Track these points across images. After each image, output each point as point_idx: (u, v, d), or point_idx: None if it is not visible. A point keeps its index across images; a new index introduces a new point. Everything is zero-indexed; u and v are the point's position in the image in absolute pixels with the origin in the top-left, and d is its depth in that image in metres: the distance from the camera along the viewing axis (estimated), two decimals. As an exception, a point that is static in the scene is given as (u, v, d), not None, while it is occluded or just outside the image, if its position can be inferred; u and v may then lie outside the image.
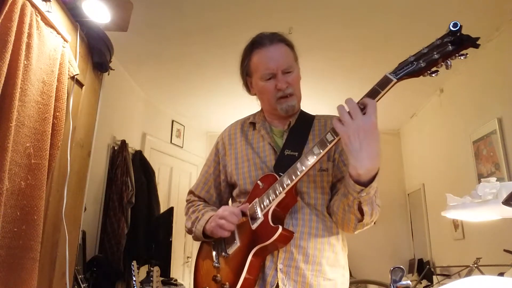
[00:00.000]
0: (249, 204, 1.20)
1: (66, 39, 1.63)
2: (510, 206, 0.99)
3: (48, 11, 1.51)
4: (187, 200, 1.46)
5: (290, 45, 1.30)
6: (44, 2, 1.48)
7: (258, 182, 1.21)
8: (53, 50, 1.53)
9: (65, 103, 1.60)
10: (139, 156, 3.58)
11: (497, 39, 2.74)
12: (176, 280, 3.39)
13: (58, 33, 1.58)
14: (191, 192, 1.46)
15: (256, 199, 1.18)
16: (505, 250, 2.26)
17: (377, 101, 0.97)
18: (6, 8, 1.26)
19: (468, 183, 3.07)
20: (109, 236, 2.95)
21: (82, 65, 1.83)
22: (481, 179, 1.30)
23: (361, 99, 0.99)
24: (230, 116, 4.51)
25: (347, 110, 0.96)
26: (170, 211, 3.66)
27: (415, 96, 3.85)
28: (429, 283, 3.17)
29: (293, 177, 1.09)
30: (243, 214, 1.19)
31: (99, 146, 2.92)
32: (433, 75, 0.95)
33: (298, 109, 1.35)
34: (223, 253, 1.22)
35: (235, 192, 1.34)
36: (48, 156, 1.45)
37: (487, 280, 0.63)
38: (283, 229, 1.09)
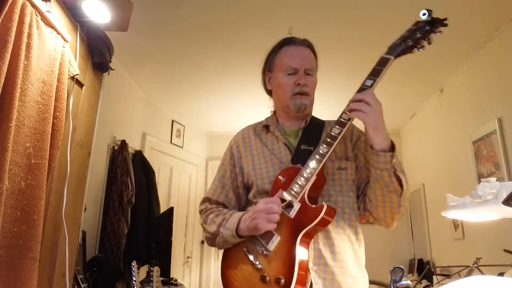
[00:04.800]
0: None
1: (66, 39, 1.63)
2: (510, 206, 0.99)
3: (48, 11, 1.51)
4: (202, 209, 1.39)
5: (315, 55, 1.41)
6: (44, 2, 1.49)
7: (279, 177, 1.20)
8: (53, 50, 1.53)
9: (65, 103, 1.60)
10: (139, 156, 3.58)
11: (497, 39, 2.74)
12: (176, 280, 3.39)
13: (58, 33, 1.58)
14: (206, 200, 1.39)
15: (282, 191, 1.16)
16: (505, 250, 2.26)
17: (380, 78, 1.13)
18: (6, 8, 1.26)
19: (468, 183, 3.06)
20: (109, 236, 2.95)
21: (82, 65, 1.83)
22: (481, 179, 1.29)
23: (363, 82, 1.14)
24: (230, 116, 4.56)
25: (363, 100, 1.09)
26: (170, 211, 3.65)
27: (415, 96, 3.85)
28: (429, 283, 3.17)
29: (320, 158, 1.12)
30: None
31: (99, 146, 2.92)
32: (421, 49, 1.15)
33: (310, 113, 1.38)
34: (264, 252, 1.16)
35: (252, 194, 1.32)
36: (48, 156, 1.45)
37: (487, 280, 0.63)
38: (328, 206, 1.10)
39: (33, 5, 1.40)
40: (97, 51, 1.93)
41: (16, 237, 1.30)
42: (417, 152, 4.40)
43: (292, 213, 1.14)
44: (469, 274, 2.31)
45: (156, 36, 2.95)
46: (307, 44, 1.38)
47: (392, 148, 1.13)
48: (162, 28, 2.84)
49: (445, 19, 1.13)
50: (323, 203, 1.10)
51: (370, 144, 1.13)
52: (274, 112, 1.43)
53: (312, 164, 1.13)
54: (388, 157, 1.11)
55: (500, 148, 2.66)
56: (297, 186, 1.14)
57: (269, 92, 1.43)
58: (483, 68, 2.95)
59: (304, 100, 1.30)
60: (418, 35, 1.13)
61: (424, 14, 1.14)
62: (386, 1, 2.51)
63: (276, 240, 1.15)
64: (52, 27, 1.54)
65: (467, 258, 2.57)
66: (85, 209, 2.07)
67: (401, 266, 0.93)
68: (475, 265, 2.26)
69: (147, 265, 3.31)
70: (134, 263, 2.37)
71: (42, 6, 1.47)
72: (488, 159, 2.83)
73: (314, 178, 1.12)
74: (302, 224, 1.11)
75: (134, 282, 2.35)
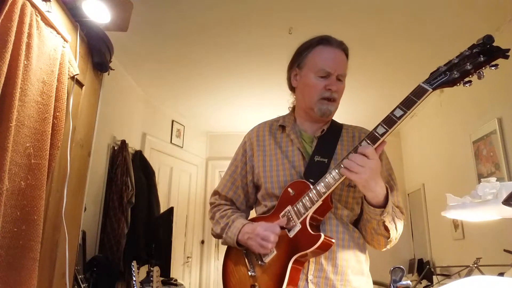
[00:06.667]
0: (281, 212, 1.20)
1: (66, 39, 1.63)
2: (510, 206, 0.98)
3: (48, 11, 1.51)
4: (212, 203, 1.42)
5: (347, 59, 1.36)
6: (44, 2, 1.48)
7: (289, 189, 1.20)
8: (53, 50, 1.53)
9: (65, 103, 1.60)
10: (139, 156, 3.58)
11: (497, 39, 2.71)
12: (176, 280, 3.39)
13: (58, 33, 1.58)
14: (216, 193, 1.42)
15: (289, 207, 1.18)
16: (505, 250, 2.26)
17: (412, 110, 1.02)
18: (6, 8, 1.26)
19: (468, 183, 3.07)
20: (109, 236, 2.95)
21: (82, 65, 1.83)
22: (481, 179, 1.29)
23: (393, 111, 1.04)
24: (230, 116, 4.56)
25: (354, 162, 1.05)
26: (170, 211, 3.66)
27: (415, 96, 3.84)
28: (429, 283, 3.17)
29: (330, 185, 1.11)
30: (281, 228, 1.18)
31: (99, 146, 2.92)
32: (467, 85, 0.99)
33: (331, 118, 1.36)
34: (259, 262, 1.20)
35: (260, 195, 1.32)
36: (48, 156, 1.45)
37: (487, 280, 0.63)
38: (325, 236, 1.10)
39: (33, 5, 1.40)
40: (97, 51, 1.93)
41: (16, 237, 1.30)
42: (417, 152, 4.40)
43: (292, 233, 1.15)
44: (469, 274, 2.31)
45: (156, 36, 2.95)
46: (343, 47, 1.34)
47: (387, 200, 1.11)
48: (162, 28, 2.84)
49: (507, 50, 0.95)
50: (321, 233, 1.10)
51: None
52: (293, 109, 1.40)
53: (321, 188, 1.12)
54: (378, 212, 1.11)
55: (500, 148, 2.66)
56: (302, 206, 1.15)
57: (293, 89, 1.39)
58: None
59: (331, 107, 1.27)
60: (469, 66, 0.97)
61: (489, 39, 0.96)
62: (386, 1, 2.51)
63: (272, 254, 1.18)
64: (52, 27, 1.54)
65: (467, 258, 2.57)
66: (85, 209, 2.07)
67: (401, 266, 0.93)
68: (475, 265, 2.27)
69: (147, 265, 3.31)
70: (134, 263, 2.38)
71: (42, 6, 1.47)
72: (488, 159, 2.83)
73: (320, 203, 1.12)
74: (297, 247, 1.13)
75: (134, 282, 2.35)
